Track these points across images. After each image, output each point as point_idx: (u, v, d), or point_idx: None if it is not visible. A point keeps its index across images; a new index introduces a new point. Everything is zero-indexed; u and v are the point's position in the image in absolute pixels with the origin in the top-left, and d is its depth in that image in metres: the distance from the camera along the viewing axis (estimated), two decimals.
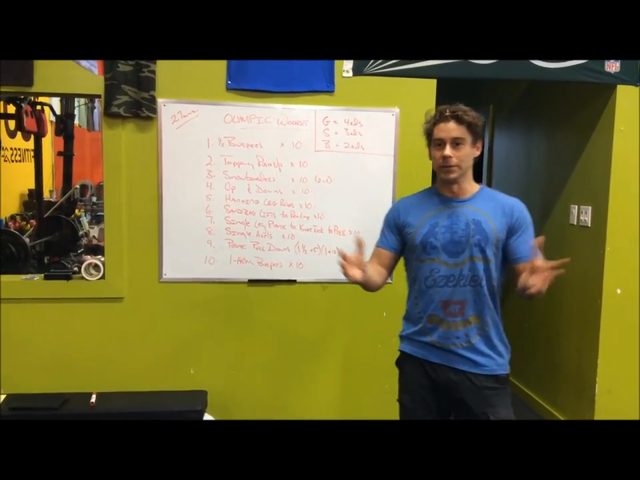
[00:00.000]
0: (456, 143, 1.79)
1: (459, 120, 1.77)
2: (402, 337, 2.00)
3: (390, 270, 1.99)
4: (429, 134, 1.85)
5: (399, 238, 1.94)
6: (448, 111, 1.79)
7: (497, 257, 1.83)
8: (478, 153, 1.85)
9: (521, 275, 1.76)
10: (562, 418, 3.19)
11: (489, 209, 1.84)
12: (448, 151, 1.79)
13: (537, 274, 1.65)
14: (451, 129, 1.78)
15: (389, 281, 2.75)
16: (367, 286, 1.87)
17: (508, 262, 1.86)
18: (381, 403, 2.85)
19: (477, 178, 1.95)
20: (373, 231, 2.74)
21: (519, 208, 1.86)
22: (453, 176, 1.82)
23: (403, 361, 1.99)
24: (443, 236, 1.83)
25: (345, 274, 1.73)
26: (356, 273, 1.72)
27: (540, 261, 1.65)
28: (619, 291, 2.86)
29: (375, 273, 1.90)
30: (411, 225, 1.90)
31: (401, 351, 2.00)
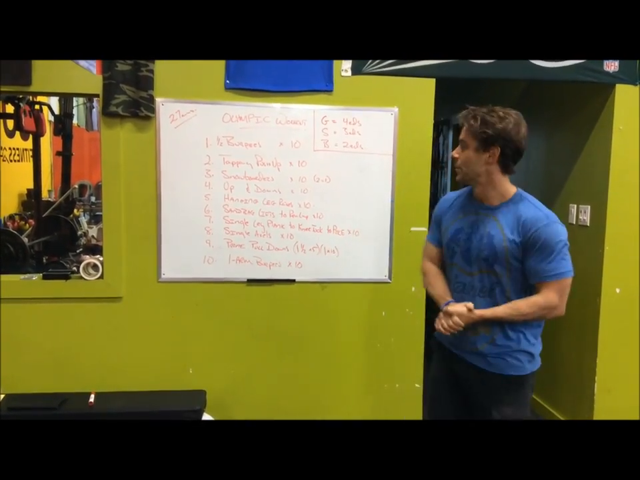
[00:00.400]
0: (461, 145, 1.82)
1: (465, 124, 1.79)
2: None
3: (440, 262, 2.02)
4: None
5: (441, 233, 1.99)
6: (460, 114, 1.82)
7: (512, 271, 1.79)
8: (491, 161, 1.76)
9: (538, 291, 1.79)
10: (561, 418, 3.19)
11: (508, 223, 1.79)
12: (454, 151, 1.83)
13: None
14: (462, 131, 1.81)
15: (389, 280, 2.78)
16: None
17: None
18: (381, 402, 2.86)
19: None
20: (372, 230, 2.77)
21: (537, 225, 1.74)
22: (457, 178, 1.86)
23: (435, 345, 2.04)
24: (464, 244, 1.85)
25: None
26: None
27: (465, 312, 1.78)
28: (618, 290, 2.86)
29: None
30: (444, 224, 1.94)
31: (435, 336, 2.04)
